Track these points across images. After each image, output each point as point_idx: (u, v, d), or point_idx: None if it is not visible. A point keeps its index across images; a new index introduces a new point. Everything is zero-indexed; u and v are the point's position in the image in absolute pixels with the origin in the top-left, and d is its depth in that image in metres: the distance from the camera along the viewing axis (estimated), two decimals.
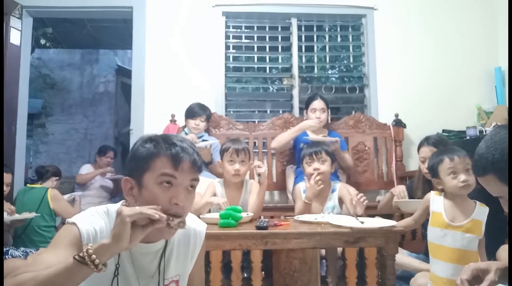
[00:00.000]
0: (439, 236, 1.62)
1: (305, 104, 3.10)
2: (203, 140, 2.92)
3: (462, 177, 1.60)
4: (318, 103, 3.00)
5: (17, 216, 2.51)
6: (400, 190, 2.10)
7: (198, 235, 1.17)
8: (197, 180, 1.04)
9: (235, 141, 2.31)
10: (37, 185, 2.97)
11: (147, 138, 1.04)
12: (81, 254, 0.85)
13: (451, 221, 1.61)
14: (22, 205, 2.76)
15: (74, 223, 0.98)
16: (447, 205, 1.66)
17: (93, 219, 1.02)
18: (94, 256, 0.84)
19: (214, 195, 2.23)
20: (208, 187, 2.24)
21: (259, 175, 2.19)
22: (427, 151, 2.13)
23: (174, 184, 0.99)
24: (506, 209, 0.97)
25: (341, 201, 2.24)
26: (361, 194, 1.96)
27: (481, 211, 1.60)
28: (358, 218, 1.78)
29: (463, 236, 1.57)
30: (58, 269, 0.85)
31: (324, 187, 2.21)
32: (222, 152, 2.28)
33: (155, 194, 0.97)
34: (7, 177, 2.61)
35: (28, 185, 3.02)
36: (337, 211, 2.23)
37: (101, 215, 1.04)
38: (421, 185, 2.21)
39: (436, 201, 1.70)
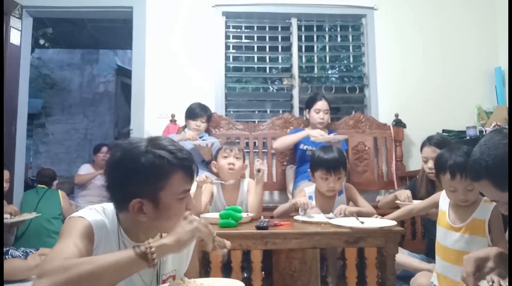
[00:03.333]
0: (442, 236, 1.60)
1: (307, 104, 3.09)
2: (203, 141, 2.92)
3: (461, 196, 1.52)
4: (322, 104, 2.99)
5: (18, 217, 2.52)
6: (405, 196, 2.08)
7: None
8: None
9: (229, 142, 2.43)
10: (45, 187, 3.43)
11: (144, 151, 0.97)
12: (142, 249, 0.87)
13: (452, 221, 1.58)
14: (32, 204, 3.19)
15: (82, 217, 0.99)
16: (452, 204, 1.61)
17: (97, 214, 1.03)
18: (155, 255, 0.87)
19: (212, 194, 2.24)
20: (205, 186, 2.24)
21: (258, 171, 2.16)
22: (429, 151, 2.12)
23: (187, 194, 1.04)
24: (503, 211, 0.98)
25: (350, 201, 2.21)
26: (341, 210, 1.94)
27: (485, 209, 1.50)
28: (358, 218, 1.78)
29: (463, 237, 1.52)
30: (120, 257, 0.86)
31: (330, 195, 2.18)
32: (216, 153, 2.31)
33: (177, 208, 1.00)
34: (5, 174, 2.66)
35: (39, 185, 3.45)
36: None
37: (99, 212, 1.05)
38: (424, 184, 2.20)
39: (444, 199, 1.66)
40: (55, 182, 3.60)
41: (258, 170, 2.17)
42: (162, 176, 0.97)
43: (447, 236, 1.58)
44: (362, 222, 1.68)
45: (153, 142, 1.01)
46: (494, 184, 0.93)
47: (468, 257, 1.05)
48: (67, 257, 0.85)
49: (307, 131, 2.90)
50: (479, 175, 0.95)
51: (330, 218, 1.84)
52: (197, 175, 1.10)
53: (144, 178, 0.96)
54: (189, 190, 1.03)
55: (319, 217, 1.93)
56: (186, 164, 1.00)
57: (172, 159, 0.98)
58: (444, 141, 2.16)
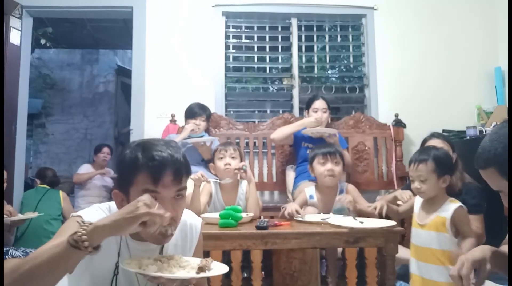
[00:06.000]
0: (413, 235, 1.71)
1: (306, 104, 3.10)
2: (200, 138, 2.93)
3: (415, 184, 1.68)
4: (320, 103, 3.00)
5: (20, 216, 2.52)
6: (407, 197, 2.08)
7: (194, 229, 1.18)
8: (183, 189, 1.02)
9: (224, 142, 2.47)
10: (47, 187, 3.40)
11: (131, 148, 1.01)
12: (74, 237, 0.82)
13: (420, 220, 1.70)
14: (32, 204, 3.17)
15: (79, 216, 1.00)
16: (422, 205, 1.74)
17: (97, 214, 1.03)
18: (86, 242, 0.82)
19: (210, 194, 2.24)
20: (204, 186, 2.24)
21: (244, 172, 2.19)
22: (438, 142, 2.11)
23: (158, 198, 0.97)
24: (506, 204, 0.97)
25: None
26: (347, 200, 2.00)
27: (448, 208, 1.62)
28: (357, 218, 1.78)
29: (429, 234, 1.63)
30: (53, 251, 0.83)
31: (331, 189, 2.20)
32: (213, 154, 2.34)
33: None
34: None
35: (40, 185, 3.42)
36: (346, 213, 2.21)
37: (104, 211, 1.05)
38: None
39: (417, 202, 1.78)
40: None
41: (244, 172, 2.18)
42: (130, 173, 0.98)
43: (415, 234, 1.69)
44: (362, 222, 1.68)
45: (143, 141, 1.03)
46: (501, 172, 0.91)
47: (465, 259, 1.02)
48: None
49: (304, 119, 2.96)
50: (486, 163, 0.94)
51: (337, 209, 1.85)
52: (188, 173, 1.04)
53: (120, 171, 1.02)
54: (152, 192, 0.96)
55: (319, 216, 1.93)
56: (151, 164, 0.96)
57: (141, 158, 0.97)
58: (446, 137, 2.19)
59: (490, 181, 0.96)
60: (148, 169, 0.96)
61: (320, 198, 2.22)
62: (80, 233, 0.82)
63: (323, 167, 2.17)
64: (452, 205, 1.62)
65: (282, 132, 2.95)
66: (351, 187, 2.28)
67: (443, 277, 1.57)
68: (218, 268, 1.01)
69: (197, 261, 1.02)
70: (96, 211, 1.04)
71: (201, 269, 0.97)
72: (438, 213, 1.64)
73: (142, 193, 0.95)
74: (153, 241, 1.03)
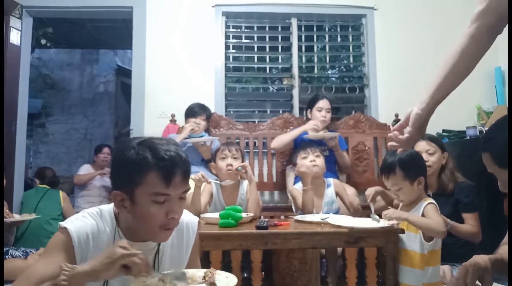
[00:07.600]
0: None
1: (308, 104, 3.10)
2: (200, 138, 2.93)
3: (392, 194, 1.71)
4: (324, 103, 3.01)
5: (18, 218, 2.52)
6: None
7: (190, 228, 1.18)
8: (188, 189, 1.03)
9: (226, 142, 2.50)
10: (47, 187, 3.41)
11: (131, 146, 0.99)
12: (56, 282, 0.83)
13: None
14: (32, 204, 3.19)
15: (65, 228, 0.99)
16: (401, 207, 1.76)
17: (85, 221, 1.03)
18: None
19: (211, 194, 2.24)
20: (205, 187, 2.24)
21: (245, 172, 2.19)
22: (424, 144, 2.13)
23: (168, 200, 0.98)
24: (502, 189, 1.01)
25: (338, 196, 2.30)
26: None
27: (420, 206, 1.62)
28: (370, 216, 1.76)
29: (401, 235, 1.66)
30: None
31: (319, 183, 2.27)
32: (215, 153, 2.33)
33: (150, 211, 0.97)
34: None
35: (39, 185, 3.42)
36: (336, 206, 2.26)
37: (92, 216, 1.05)
38: None
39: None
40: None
41: (245, 172, 2.19)
42: (137, 173, 0.96)
43: None
44: (378, 221, 1.66)
45: (145, 140, 1.01)
46: (493, 158, 0.97)
47: (469, 266, 1.01)
48: (36, 279, 0.90)
49: (303, 127, 2.93)
50: (483, 148, 1.00)
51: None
52: (190, 173, 1.04)
53: (123, 171, 0.99)
54: (163, 195, 0.97)
55: (319, 216, 1.93)
56: (162, 164, 0.95)
57: (150, 158, 0.96)
58: (437, 138, 2.21)
59: (487, 165, 1.02)
60: (159, 170, 0.96)
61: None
62: (60, 278, 0.83)
63: (306, 160, 2.27)
64: (423, 204, 1.62)
65: (282, 140, 2.96)
66: (336, 181, 2.37)
67: (410, 279, 1.56)
68: (226, 280, 0.99)
69: (199, 273, 1.01)
70: (84, 218, 1.04)
71: (212, 284, 0.95)
72: (411, 212, 1.64)
73: (151, 196, 0.96)
74: (155, 238, 1.04)
